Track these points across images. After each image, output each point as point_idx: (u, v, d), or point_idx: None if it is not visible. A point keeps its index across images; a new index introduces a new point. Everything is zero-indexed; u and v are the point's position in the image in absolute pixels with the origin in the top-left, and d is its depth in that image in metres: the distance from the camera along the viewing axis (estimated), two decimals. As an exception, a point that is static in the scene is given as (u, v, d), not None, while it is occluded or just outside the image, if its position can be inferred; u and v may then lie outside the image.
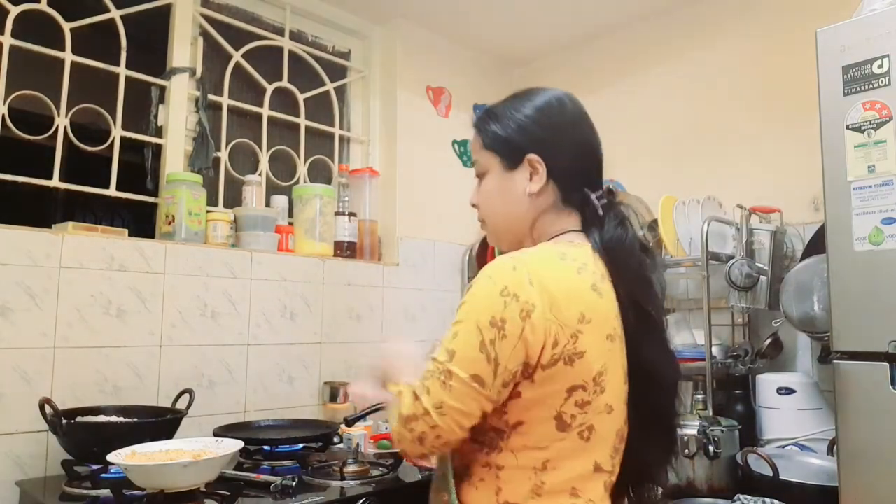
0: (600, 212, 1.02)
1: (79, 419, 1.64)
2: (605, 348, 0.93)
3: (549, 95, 1.07)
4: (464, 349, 0.90)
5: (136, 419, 1.70)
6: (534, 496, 0.92)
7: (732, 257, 2.03)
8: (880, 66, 1.34)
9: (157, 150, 2.20)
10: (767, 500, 1.54)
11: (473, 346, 0.89)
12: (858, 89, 1.36)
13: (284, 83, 2.52)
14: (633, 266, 1.00)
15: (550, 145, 1.03)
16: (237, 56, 2.39)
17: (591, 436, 0.93)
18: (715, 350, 2.03)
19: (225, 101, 2.34)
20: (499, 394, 0.91)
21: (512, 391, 0.92)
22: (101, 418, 1.68)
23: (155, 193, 2.16)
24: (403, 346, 1.12)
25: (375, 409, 1.77)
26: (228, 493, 1.46)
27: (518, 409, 0.92)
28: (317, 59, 2.63)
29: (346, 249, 2.45)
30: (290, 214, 2.40)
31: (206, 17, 2.32)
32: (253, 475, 1.62)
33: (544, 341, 0.89)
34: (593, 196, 1.03)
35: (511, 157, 1.05)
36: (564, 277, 0.93)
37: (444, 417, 0.90)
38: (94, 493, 1.53)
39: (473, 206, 1.14)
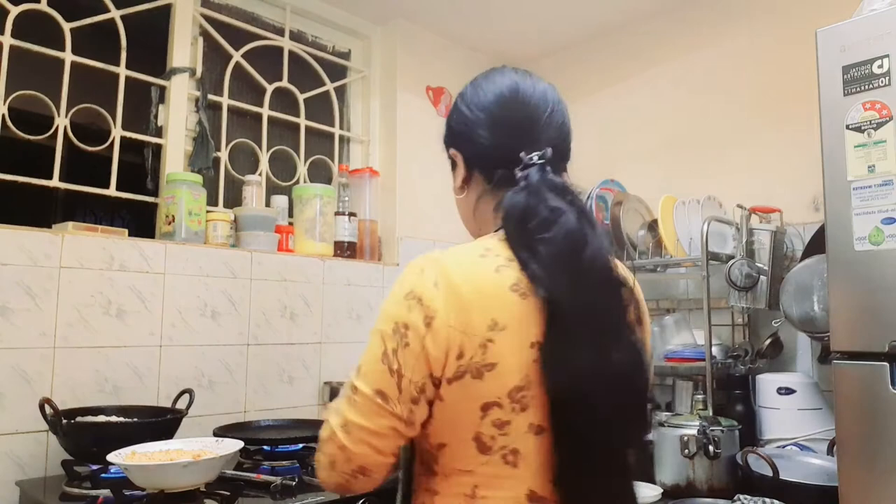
0: (522, 184, 0.89)
1: (79, 419, 1.64)
2: (526, 359, 0.80)
3: (468, 85, 1.01)
4: (368, 361, 0.83)
5: (136, 419, 1.70)
6: None
7: (732, 257, 2.03)
8: (880, 66, 1.34)
9: (157, 150, 2.20)
10: (767, 500, 1.54)
11: (377, 357, 0.82)
12: (858, 89, 1.36)
13: (284, 83, 2.52)
14: (526, 241, 0.84)
15: (464, 134, 0.97)
16: (237, 56, 2.39)
17: (518, 461, 0.81)
18: (715, 350, 2.03)
19: (225, 101, 2.34)
20: (409, 412, 0.82)
21: (429, 410, 0.84)
22: (101, 418, 1.68)
23: (155, 193, 2.16)
24: None
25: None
26: (228, 493, 1.46)
27: (436, 430, 0.84)
28: (317, 59, 2.63)
29: (346, 249, 2.45)
30: (290, 214, 2.40)
31: (206, 17, 2.32)
32: (253, 475, 1.61)
33: (447, 352, 0.80)
34: (517, 171, 0.90)
35: (449, 158, 1.03)
36: (477, 277, 0.82)
37: (350, 437, 0.82)
38: (94, 493, 1.52)
39: None
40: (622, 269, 0.93)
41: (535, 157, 0.90)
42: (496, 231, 0.92)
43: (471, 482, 0.82)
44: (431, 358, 0.80)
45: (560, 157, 0.95)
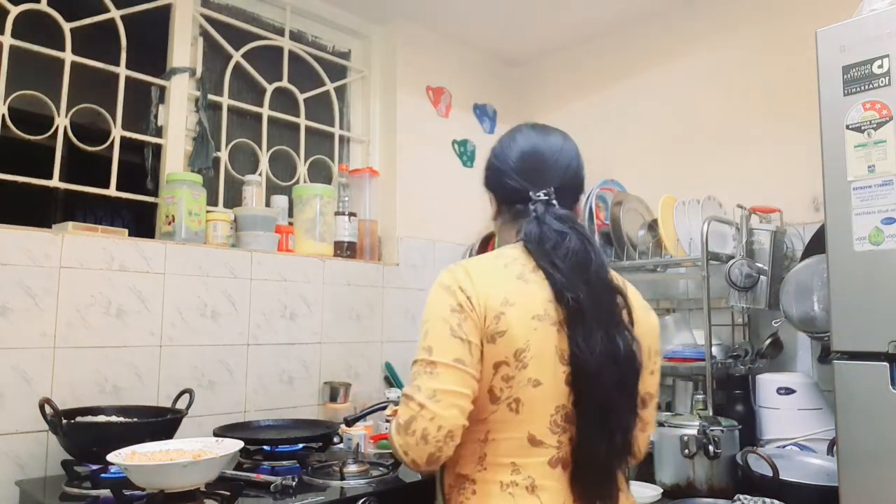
0: (532, 216, 1.15)
1: (79, 419, 1.64)
2: (529, 326, 1.04)
3: (498, 143, 1.28)
4: (439, 341, 1.04)
5: (136, 419, 1.70)
6: (479, 468, 1.04)
7: (732, 257, 2.03)
8: (880, 66, 1.34)
9: (157, 150, 2.20)
10: (767, 500, 1.54)
11: (446, 335, 1.04)
12: (858, 89, 1.36)
13: (284, 83, 2.52)
14: (547, 257, 1.09)
15: (496, 180, 1.24)
16: (237, 56, 2.39)
17: (520, 408, 1.03)
18: (715, 350, 2.03)
19: (225, 101, 2.34)
20: (477, 370, 1.04)
21: None
22: (101, 418, 1.68)
23: (155, 193, 2.16)
24: None
25: (375, 409, 1.78)
26: (228, 493, 1.46)
27: None
28: (317, 59, 2.63)
29: (346, 249, 2.45)
30: (290, 214, 2.40)
31: (206, 17, 2.32)
32: (253, 475, 1.62)
33: (482, 323, 1.04)
34: (530, 205, 1.17)
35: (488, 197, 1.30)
36: (492, 270, 1.10)
37: (440, 404, 1.00)
38: (94, 493, 1.53)
39: None
40: (617, 278, 1.16)
41: (541, 194, 1.16)
42: (514, 244, 1.19)
43: (484, 429, 1.04)
44: (478, 325, 1.04)
45: (568, 191, 1.20)
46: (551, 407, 1.03)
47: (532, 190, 1.17)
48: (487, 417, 1.04)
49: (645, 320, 1.16)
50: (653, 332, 1.18)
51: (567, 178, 1.21)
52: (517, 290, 1.06)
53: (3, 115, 1.87)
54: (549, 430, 1.03)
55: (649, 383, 1.17)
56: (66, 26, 2.01)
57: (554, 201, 1.16)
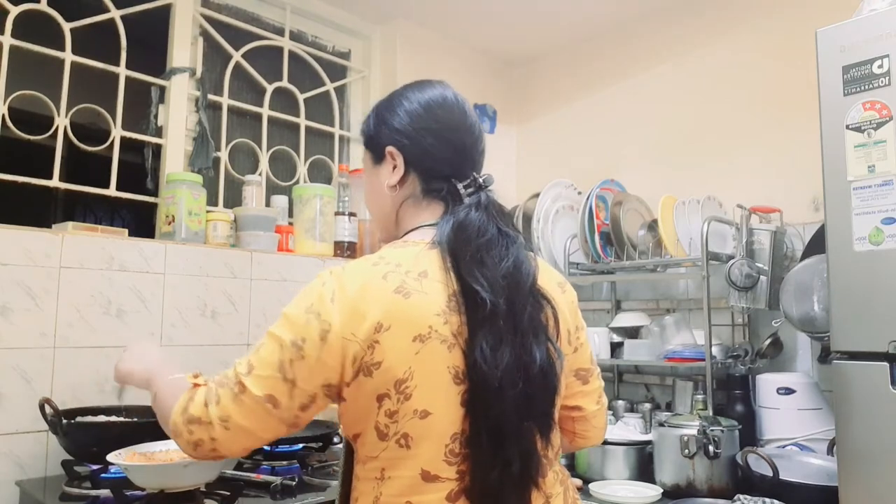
0: (465, 200, 1.00)
1: (79, 419, 1.64)
2: (409, 351, 0.88)
3: (415, 90, 1.07)
4: (262, 366, 0.89)
5: (136, 419, 1.70)
6: None
7: (732, 257, 2.03)
8: (880, 66, 1.34)
9: (157, 150, 2.20)
10: (767, 500, 1.54)
11: (272, 364, 0.89)
12: (858, 89, 1.36)
13: (284, 83, 2.52)
14: (471, 250, 0.93)
15: (408, 136, 1.03)
16: (237, 56, 2.39)
17: (409, 443, 0.89)
18: (715, 350, 2.03)
19: (225, 101, 2.34)
20: (296, 417, 0.90)
21: (339, 408, 0.94)
22: (101, 418, 1.68)
23: (155, 193, 2.16)
24: (147, 346, 1.19)
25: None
26: (228, 493, 1.46)
27: (348, 423, 0.94)
28: (317, 59, 2.63)
29: (346, 249, 2.45)
30: (290, 214, 2.40)
31: (206, 17, 2.32)
32: (253, 475, 1.62)
33: (343, 361, 0.88)
34: (460, 185, 1.01)
35: (375, 151, 1.07)
36: (367, 285, 0.91)
37: (228, 433, 0.89)
38: (94, 493, 1.53)
39: None
40: (553, 285, 1.03)
41: (490, 179, 1.01)
42: (410, 232, 1.02)
43: (378, 466, 0.91)
44: (327, 368, 0.88)
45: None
46: (446, 437, 0.89)
47: (468, 168, 1.02)
48: (379, 455, 0.91)
49: (561, 298, 1.04)
50: (572, 308, 1.07)
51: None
52: (394, 310, 0.88)
53: (3, 115, 1.87)
54: (445, 462, 0.89)
55: (582, 359, 1.08)
56: (66, 26, 2.01)
57: (490, 189, 1.01)
